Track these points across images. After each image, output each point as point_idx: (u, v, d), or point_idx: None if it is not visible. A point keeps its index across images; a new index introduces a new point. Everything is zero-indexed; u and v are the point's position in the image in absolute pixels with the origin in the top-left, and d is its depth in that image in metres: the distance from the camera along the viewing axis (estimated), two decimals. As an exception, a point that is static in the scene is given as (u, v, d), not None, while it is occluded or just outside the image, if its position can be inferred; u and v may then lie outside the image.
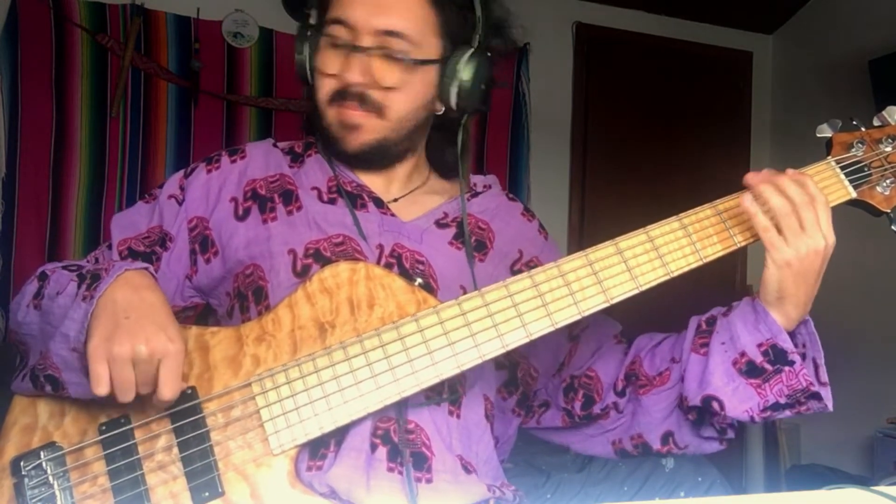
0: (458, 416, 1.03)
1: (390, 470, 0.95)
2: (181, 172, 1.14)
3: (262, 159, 1.14)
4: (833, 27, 3.57)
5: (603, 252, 0.98)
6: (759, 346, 0.98)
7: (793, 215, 0.93)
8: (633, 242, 0.98)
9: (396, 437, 0.97)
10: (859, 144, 1.04)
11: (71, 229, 2.91)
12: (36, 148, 2.86)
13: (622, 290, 0.97)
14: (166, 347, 0.87)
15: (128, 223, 1.12)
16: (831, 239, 0.95)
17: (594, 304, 0.97)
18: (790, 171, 0.97)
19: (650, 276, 0.98)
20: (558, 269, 0.97)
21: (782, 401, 0.98)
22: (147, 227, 1.11)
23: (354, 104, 1.05)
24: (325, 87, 1.07)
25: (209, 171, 1.12)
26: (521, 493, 1.08)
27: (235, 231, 1.08)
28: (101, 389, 0.86)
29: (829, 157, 1.04)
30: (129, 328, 0.87)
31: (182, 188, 1.11)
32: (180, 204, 1.10)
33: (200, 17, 3.05)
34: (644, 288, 0.97)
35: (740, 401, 0.99)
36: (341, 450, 0.95)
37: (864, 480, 2.82)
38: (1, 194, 2.81)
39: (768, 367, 0.98)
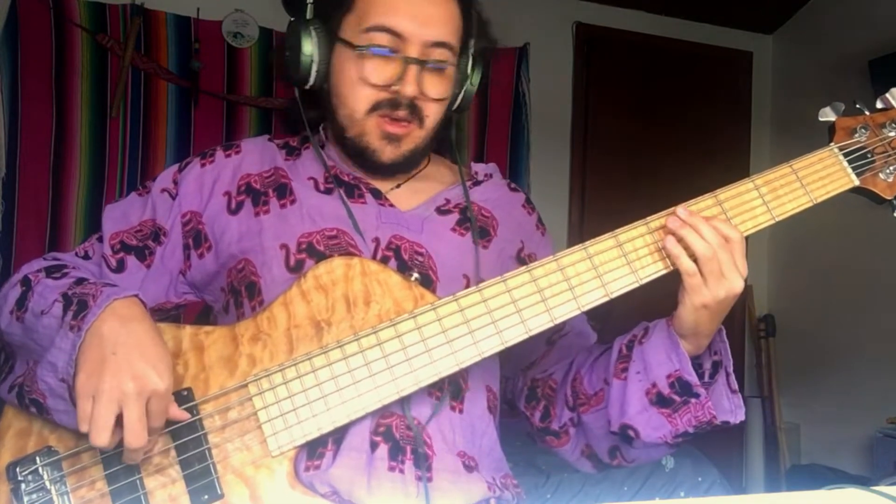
0: (461, 411, 1.02)
1: (391, 469, 0.95)
2: (175, 166, 1.13)
3: (257, 154, 1.13)
4: (833, 27, 3.57)
5: (602, 245, 0.96)
6: (668, 377, 0.99)
7: (714, 259, 0.93)
8: (632, 234, 0.96)
9: (398, 434, 0.96)
10: (862, 130, 1.01)
11: (71, 229, 2.91)
12: (36, 148, 2.86)
13: (622, 283, 0.95)
14: (156, 386, 0.85)
15: (120, 215, 1.10)
16: (745, 274, 0.95)
17: (594, 298, 0.95)
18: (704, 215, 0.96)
19: (650, 269, 0.96)
20: (557, 263, 0.96)
21: (690, 430, 0.99)
22: (139, 220, 1.09)
23: (404, 114, 1.05)
24: (368, 98, 1.04)
25: (203, 166, 1.11)
26: (521, 491, 1.08)
27: (228, 225, 1.07)
28: (86, 427, 0.84)
29: (833, 144, 1.01)
30: (116, 365, 0.85)
31: (175, 182, 1.10)
32: (174, 198, 1.09)
33: (200, 17, 3.05)
34: (644, 281, 0.96)
35: (653, 429, 1.00)
36: (340, 450, 0.95)
37: (864, 480, 2.82)
38: (1, 194, 2.81)
39: (676, 398, 0.99)
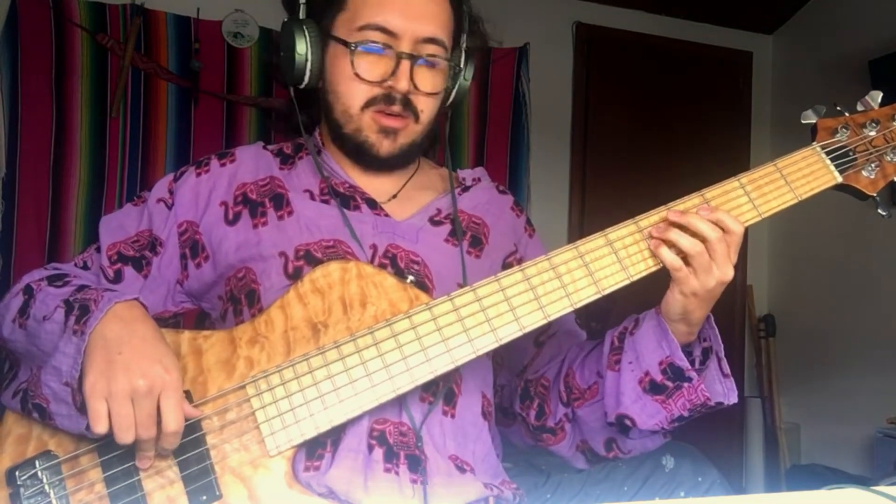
0: (453, 416, 1.03)
1: (387, 471, 0.96)
2: (170, 176, 1.14)
3: (251, 162, 1.14)
4: (833, 27, 3.57)
5: (593, 244, 0.98)
6: (660, 364, 1.00)
7: (704, 254, 0.94)
8: (622, 233, 0.99)
9: (392, 440, 0.97)
10: (843, 129, 1.04)
11: (71, 229, 2.91)
12: (36, 148, 2.86)
13: (613, 280, 0.97)
14: (164, 380, 0.87)
15: (116, 226, 1.11)
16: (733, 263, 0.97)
17: (586, 295, 0.97)
18: (703, 208, 0.97)
19: (640, 266, 0.98)
20: (549, 263, 0.98)
21: (686, 414, 1.00)
22: (136, 230, 1.10)
23: (399, 109, 1.07)
24: (362, 94, 1.06)
25: (198, 175, 1.12)
26: (522, 491, 1.08)
27: (226, 236, 1.08)
28: (101, 427, 0.85)
29: (815, 143, 1.04)
30: (124, 364, 0.87)
31: (171, 192, 1.11)
32: (170, 208, 1.10)
33: (200, 17, 3.05)
34: (635, 278, 0.97)
35: (649, 416, 1.01)
36: (338, 451, 0.95)
37: (864, 480, 2.82)
38: (1, 194, 2.81)
39: (669, 384, 1.00)
